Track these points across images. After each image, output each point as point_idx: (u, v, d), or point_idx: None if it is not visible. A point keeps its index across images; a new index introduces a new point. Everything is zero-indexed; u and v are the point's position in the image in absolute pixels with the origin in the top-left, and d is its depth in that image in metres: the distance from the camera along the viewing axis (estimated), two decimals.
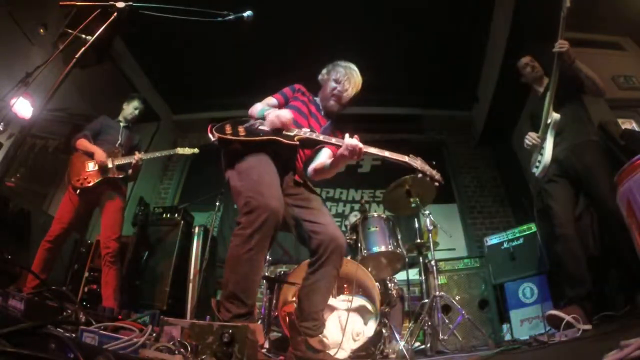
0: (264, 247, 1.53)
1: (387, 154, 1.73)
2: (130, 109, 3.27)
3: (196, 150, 3.41)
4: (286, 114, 1.77)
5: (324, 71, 2.08)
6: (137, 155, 3.00)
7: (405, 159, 1.76)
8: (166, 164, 5.73)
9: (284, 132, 1.77)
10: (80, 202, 2.85)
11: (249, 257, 1.48)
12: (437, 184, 1.77)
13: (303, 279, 1.78)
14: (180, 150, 3.35)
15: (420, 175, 1.74)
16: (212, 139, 1.75)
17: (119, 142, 3.09)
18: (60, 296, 1.45)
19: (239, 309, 1.44)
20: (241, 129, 1.78)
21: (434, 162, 1.82)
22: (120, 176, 2.97)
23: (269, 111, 1.82)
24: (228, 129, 1.78)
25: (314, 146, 1.95)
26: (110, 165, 2.91)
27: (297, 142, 1.77)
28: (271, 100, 1.98)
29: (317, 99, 2.10)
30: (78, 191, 2.83)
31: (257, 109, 1.89)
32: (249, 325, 1.06)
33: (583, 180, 2.31)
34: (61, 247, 2.82)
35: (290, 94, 2.03)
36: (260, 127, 1.79)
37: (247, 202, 1.53)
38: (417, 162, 1.76)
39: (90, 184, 2.85)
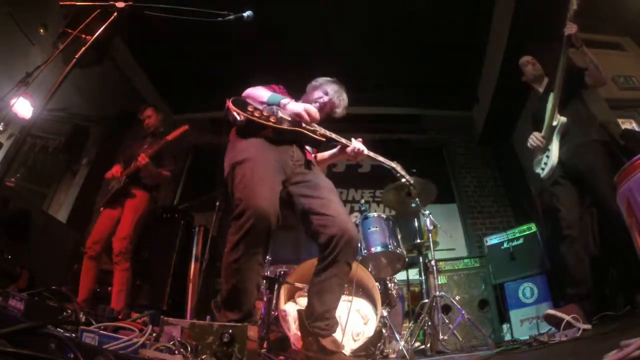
0: (254, 254, 1.47)
1: (381, 158, 2.02)
2: (145, 120, 3.40)
3: (186, 127, 3.25)
4: (315, 110, 1.78)
5: (318, 80, 2.08)
6: (134, 163, 3.09)
7: (392, 164, 2.07)
8: None
9: (305, 125, 1.76)
10: (105, 216, 3.06)
11: (237, 267, 1.45)
12: (412, 187, 2.34)
13: (313, 275, 1.67)
14: (170, 137, 3.21)
15: (403, 180, 2.10)
16: (238, 118, 1.62)
17: (134, 156, 3.18)
18: (60, 296, 1.45)
19: (234, 315, 1.44)
20: (267, 113, 1.70)
21: (414, 170, 2.28)
22: (124, 183, 3.08)
23: (287, 100, 1.77)
24: (253, 110, 1.67)
25: (328, 143, 1.97)
26: (121, 177, 3.10)
27: (323, 139, 1.79)
28: (266, 90, 1.90)
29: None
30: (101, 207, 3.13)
31: (262, 93, 1.81)
32: (249, 326, 1.06)
33: (585, 180, 2.31)
34: (100, 258, 3.00)
35: (277, 90, 1.98)
36: (281, 115, 1.73)
37: (237, 204, 1.49)
38: (399, 168, 2.10)
39: (108, 196, 3.10)
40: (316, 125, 1.83)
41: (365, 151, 1.90)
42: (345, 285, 2.42)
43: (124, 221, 2.99)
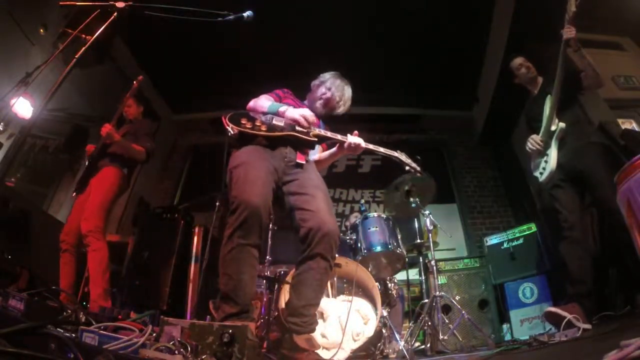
0: (248, 245, 1.52)
1: (382, 149, 1.99)
2: (125, 109, 3.22)
3: (140, 78, 3.13)
4: (310, 113, 1.85)
5: (321, 77, 2.15)
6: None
7: (395, 153, 2.03)
8: (166, 164, 5.73)
9: (298, 128, 1.83)
10: (77, 203, 2.83)
11: (232, 256, 1.51)
12: (418, 174, 2.11)
13: (293, 271, 1.73)
14: (128, 95, 3.07)
15: (407, 167, 2.02)
16: (231, 132, 1.74)
17: None
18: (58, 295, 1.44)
19: (231, 308, 1.45)
20: (259, 123, 1.81)
21: (418, 157, 2.13)
22: (92, 161, 2.87)
23: (285, 108, 1.87)
24: (246, 122, 1.79)
25: (322, 142, 2.02)
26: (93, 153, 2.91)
27: (315, 139, 1.85)
28: (269, 98, 2.00)
29: (306, 102, 2.16)
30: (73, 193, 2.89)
31: (263, 104, 1.91)
32: (249, 325, 1.06)
33: (585, 181, 2.31)
34: (77, 251, 2.78)
35: (282, 95, 2.08)
36: (275, 122, 1.83)
37: (232, 202, 1.59)
38: (403, 156, 2.04)
39: (77, 180, 2.89)
40: (309, 127, 1.87)
41: (363, 144, 1.91)
42: (345, 286, 2.46)
43: (90, 200, 2.70)
